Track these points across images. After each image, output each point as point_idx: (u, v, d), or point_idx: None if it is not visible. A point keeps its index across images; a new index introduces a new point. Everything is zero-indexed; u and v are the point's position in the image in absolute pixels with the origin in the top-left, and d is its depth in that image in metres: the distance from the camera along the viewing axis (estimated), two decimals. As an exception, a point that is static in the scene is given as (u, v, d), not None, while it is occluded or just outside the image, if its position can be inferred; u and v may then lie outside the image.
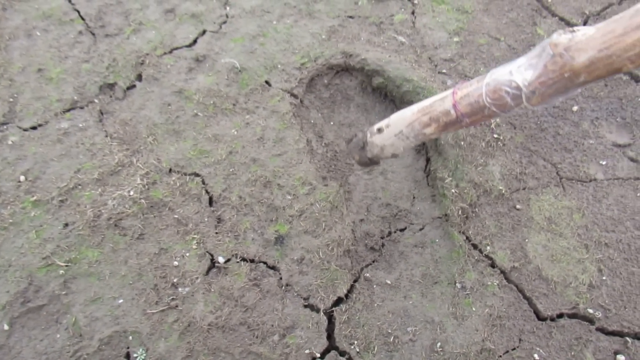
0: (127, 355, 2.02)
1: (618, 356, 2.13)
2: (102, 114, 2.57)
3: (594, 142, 2.71)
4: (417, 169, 2.64)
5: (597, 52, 1.30)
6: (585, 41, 1.32)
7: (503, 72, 1.58)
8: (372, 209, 2.49)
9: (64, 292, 2.10)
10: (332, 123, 2.81)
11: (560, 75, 1.40)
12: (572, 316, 2.23)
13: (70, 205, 2.29)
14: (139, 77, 2.70)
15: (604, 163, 2.64)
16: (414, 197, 2.54)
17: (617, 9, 3.17)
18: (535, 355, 2.12)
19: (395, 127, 2.01)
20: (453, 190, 2.45)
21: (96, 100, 2.61)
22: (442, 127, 1.85)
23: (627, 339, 2.17)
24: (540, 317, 2.22)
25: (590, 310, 2.22)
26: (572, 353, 2.13)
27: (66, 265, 2.15)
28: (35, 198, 2.29)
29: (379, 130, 2.09)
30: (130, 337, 2.04)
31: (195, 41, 2.85)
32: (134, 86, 2.67)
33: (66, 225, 2.24)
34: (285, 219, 2.34)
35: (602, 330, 2.20)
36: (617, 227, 2.45)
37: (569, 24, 3.11)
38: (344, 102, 2.87)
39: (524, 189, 2.54)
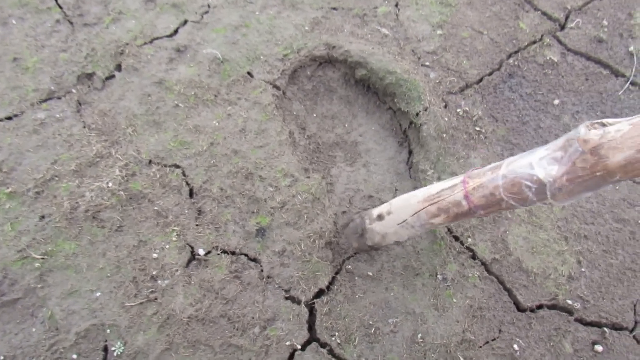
0: (105, 349, 1.99)
1: (596, 346, 2.15)
2: (80, 104, 2.52)
3: (574, 135, 2.72)
4: (399, 161, 2.64)
5: (635, 152, 1.18)
6: (621, 139, 1.20)
7: (522, 164, 1.45)
8: (354, 201, 2.48)
9: (39, 285, 2.06)
10: (314, 115, 2.79)
11: (592, 174, 1.28)
12: (552, 307, 2.25)
13: (47, 197, 2.24)
14: (119, 67, 2.65)
15: (584, 156, 2.66)
16: (396, 189, 2.54)
17: (599, 4, 3.20)
18: (515, 346, 2.13)
19: (398, 216, 1.88)
20: (435, 183, 2.45)
21: (74, 91, 2.56)
22: (452, 218, 1.73)
23: (605, 329, 2.19)
24: (520, 308, 2.24)
25: (569, 302, 2.24)
26: (551, 343, 2.15)
27: (42, 258, 2.11)
28: (10, 190, 2.24)
29: (380, 217, 1.97)
30: (108, 331, 2.01)
31: (176, 31, 2.81)
32: (113, 76, 2.62)
33: (42, 217, 2.20)
34: (267, 210, 2.32)
35: (580, 321, 2.23)
36: (596, 219, 2.47)
37: (551, 18, 3.12)
38: (326, 94, 2.85)
39: (505, 181, 2.55)
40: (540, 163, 1.39)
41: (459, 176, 1.70)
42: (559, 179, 1.35)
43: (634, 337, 2.21)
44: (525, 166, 1.43)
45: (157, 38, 2.77)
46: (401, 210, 1.87)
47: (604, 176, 1.27)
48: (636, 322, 2.25)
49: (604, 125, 1.27)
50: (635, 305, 2.28)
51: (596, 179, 1.30)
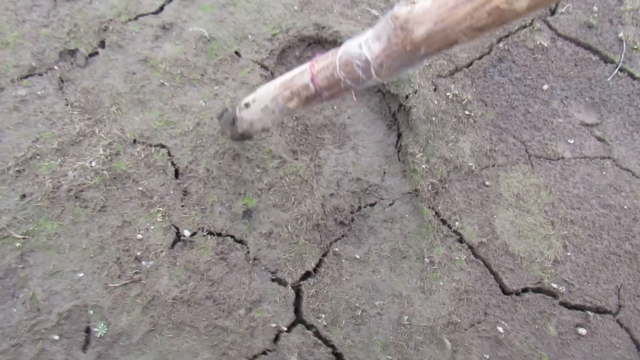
0: (88, 330, 1.96)
1: (580, 329, 2.17)
2: (62, 81, 2.46)
3: (562, 121, 2.73)
4: (388, 144, 2.62)
5: (433, 25, 1.28)
6: (423, 14, 1.31)
7: (354, 44, 1.54)
8: (342, 184, 2.46)
9: (20, 266, 2.02)
10: (303, 97, 2.75)
11: (403, 48, 1.39)
12: (537, 291, 2.26)
13: (28, 175, 2.19)
14: (102, 44, 2.58)
15: (571, 142, 2.67)
16: (384, 172, 2.52)
17: (589, -11, 3.18)
18: (500, 329, 2.15)
19: (260, 102, 1.97)
20: (423, 166, 2.44)
21: (56, 67, 2.49)
22: (303, 101, 1.83)
23: (589, 312, 2.22)
24: (505, 292, 2.25)
25: (554, 285, 2.26)
26: (536, 326, 2.17)
27: (23, 238, 2.06)
28: (-10, 168, 2.18)
29: (247, 105, 2.05)
30: (91, 312, 1.98)
31: (162, 8, 2.74)
32: (96, 53, 2.55)
33: (23, 196, 2.15)
34: (254, 192, 2.29)
35: (565, 304, 2.24)
36: (583, 204, 2.48)
37: (541, 2, 3.10)
38: (315, 76, 2.81)
39: (493, 165, 2.55)
40: (366, 43, 1.49)
41: (308, 62, 1.78)
42: (380, 55, 1.45)
43: (617, 321, 2.24)
44: (356, 46, 1.52)
45: (142, 15, 2.69)
46: (263, 97, 1.97)
47: (412, 50, 1.37)
48: (620, 306, 2.27)
49: (413, 2, 1.36)
50: (619, 290, 2.30)
51: (408, 54, 1.39)
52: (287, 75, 1.87)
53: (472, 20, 1.22)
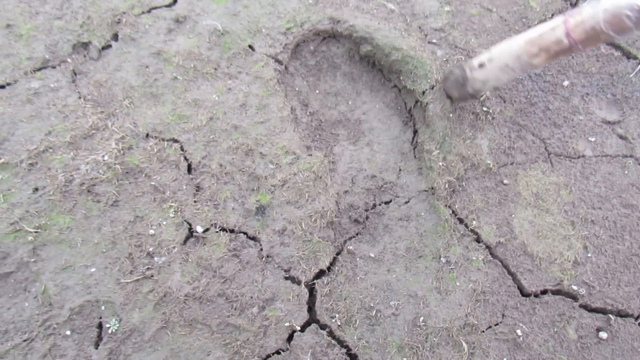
0: (100, 326, 1.94)
1: (600, 333, 2.12)
2: (75, 74, 2.43)
3: (583, 118, 2.66)
4: (404, 141, 2.57)
5: None
6: None
7: None
8: (357, 181, 2.42)
9: (32, 260, 2.00)
10: (317, 91, 2.71)
11: None
12: (556, 292, 2.21)
13: (41, 169, 2.17)
14: (115, 37, 2.56)
15: (592, 139, 2.60)
16: (400, 170, 2.48)
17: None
18: (518, 331, 2.09)
19: (499, 61, 2.03)
20: (440, 163, 2.39)
21: (69, 60, 2.46)
22: (552, 56, 1.88)
23: (610, 316, 2.16)
24: (524, 293, 2.20)
25: (574, 287, 2.20)
26: (555, 329, 2.11)
27: (35, 232, 2.04)
28: (3, 161, 2.16)
29: (481, 66, 2.11)
30: (103, 307, 1.96)
31: (175, 1, 2.70)
32: (109, 46, 2.53)
33: (36, 189, 2.13)
34: (267, 188, 2.26)
35: (585, 307, 2.19)
36: (604, 204, 2.42)
37: (562, -4, 3.03)
38: (330, 70, 2.77)
39: (511, 163, 2.49)
40: None
41: (557, 18, 1.83)
42: None
43: (639, 324, 2.17)
44: None
45: (155, 7, 2.66)
46: (502, 56, 2.02)
47: None
48: (641, 309, 2.21)
49: None
50: (640, 292, 2.24)
51: None
52: (533, 33, 1.89)
53: None
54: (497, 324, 2.11)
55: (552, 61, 1.99)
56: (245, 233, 2.18)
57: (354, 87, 2.75)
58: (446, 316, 2.09)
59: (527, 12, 2.96)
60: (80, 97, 2.36)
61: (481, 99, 2.61)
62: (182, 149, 2.31)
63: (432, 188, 2.36)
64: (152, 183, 2.20)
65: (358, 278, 2.15)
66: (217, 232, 2.15)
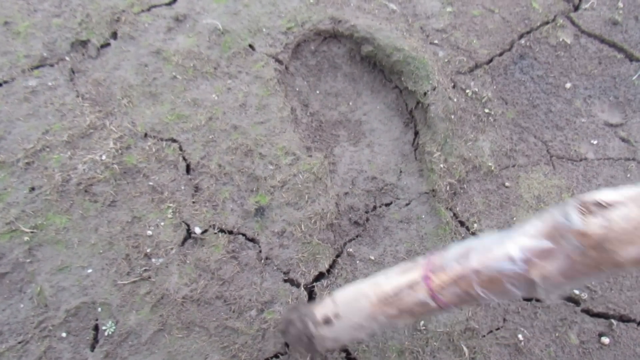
0: (96, 328, 1.91)
1: (602, 338, 2.09)
2: (73, 72, 2.41)
3: (585, 120, 2.64)
4: (404, 142, 2.55)
5: None
6: (633, 230, 0.98)
7: (499, 256, 1.18)
8: (357, 182, 2.40)
9: (28, 260, 1.97)
10: (318, 92, 2.69)
11: (596, 269, 1.07)
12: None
13: (37, 168, 2.15)
14: (114, 35, 2.53)
15: (595, 142, 2.58)
16: (400, 171, 2.45)
17: (615, -15, 3.08)
18: (519, 336, 2.07)
19: (349, 319, 1.52)
20: (441, 165, 2.37)
21: (67, 58, 2.44)
22: (418, 317, 1.53)
23: (612, 321, 2.13)
24: (525, 297, 2.17)
25: (576, 292, 2.18)
26: (557, 334, 2.09)
27: (31, 232, 2.02)
28: (-1, 160, 2.14)
29: (327, 322, 1.56)
30: (99, 309, 1.93)
31: (175, -1, 2.69)
32: (108, 44, 2.50)
33: (32, 189, 2.10)
34: (267, 189, 2.23)
35: (587, 311, 2.16)
36: (606, 207, 2.39)
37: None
38: (331, 71, 2.74)
39: (513, 166, 2.47)
40: (524, 258, 1.14)
41: (415, 266, 1.40)
42: (555, 276, 1.11)
43: (641, 329, 2.16)
44: (505, 261, 1.17)
45: (155, 6, 2.64)
46: (351, 314, 1.51)
47: (610, 268, 1.06)
48: (643, 314, 2.19)
49: (599, 205, 1.03)
50: (643, 297, 2.22)
51: (600, 272, 1.08)
52: (387, 288, 1.44)
53: None
54: (498, 329, 2.09)
55: (424, 318, 1.57)
56: (244, 234, 2.15)
57: (355, 88, 2.72)
58: (447, 320, 2.07)
59: (529, 13, 2.94)
60: (78, 96, 2.33)
61: (482, 100, 2.59)
62: (180, 149, 2.28)
63: (433, 190, 2.34)
64: (150, 183, 2.18)
65: (358, 281, 2.12)
66: (215, 233, 2.12)
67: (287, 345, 1.95)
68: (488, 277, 1.20)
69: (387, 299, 1.41)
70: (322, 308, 1.60)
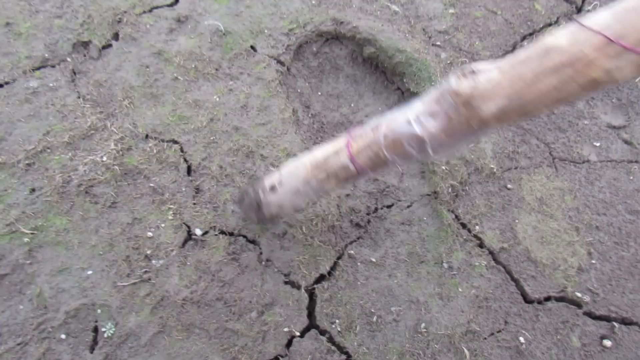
0: (95, 329, 1.91)
1: (604, 341, 2.08)
2: (74, 73, 2.41)
3: (588, 122, 2.63)
4: (406, 144, 2.53)
5: (507, 101, 1.16)
6: (492, 89, 1.17)
7: (400, 121, 1.39)
8: (358, 184, 2.39)
9: (28, 262, 1.97)
10: (319, 93, 2.68)
11: (467, 126, 1.27)
12: (560, 299, 2.17)
13: (38, 169, 2.14)
14: (116, 36, 2.53)
15: (597, 144, 2.57)
16: (402, 173, 2.44)
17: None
18: (521, 338, 2.06)
19: (289, 185, 1.78)
20: (443, 167, 2.36)
21: (69, 59, 2.44)
22: (343, 181, 1.67)
23: (614, 324, 2.12)
24: (527, 300, 2.16)
25: (578, 294, 2.17)
26: (558, 337, 2.08)
27: (32, 233, 2.01)
28: None
29: (273, 189, 1.84)
30: (99, 311, 1.92)
31: (177, 0, 2.68)
32: (110, 45, 2.50)
33: (33, 190, 2.10)
34: (268, 191, 2.22)
35: (589, 314, 2.15)
36: (609, 210, 2.38)
37: (567, 0, 3.00)
38: (332, 72, 2.74)
39: (515, 168, 2.46)
40: (417, 120, 1.35)
41: (341, 138, 1.62)
42: (439, 134, 1.32)
43: (644, 333, 2.14)
44: (404, 124, 1.38)
45: (156, 7, 2.64)
46: (291, 179, 1.77)
47: (479, 126, 1.26)
48: (646, 318, 2.18)
49: (472, 71, 1.22)
50: (646, 300, 2.21)
51: (472, 130, 1.28)
52: (318, 154, 1.68)
53: (558, 93, 1.09)
54: (499, 331, 2.08)
55: (347, 186, 1.70)
56: (244, 236, 2.14)
57: (357, 89, 2.72)
58: (448, 322, 2.06)
59: (532, 15, 2.93)
60: (79, 97, 2.33)
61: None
62: (182, 150, 2.28)
63: (435, 192, 2.33)
64: (151, 185, 2.17)
65: (359, 283, 2.11)
66: (216, 235, 2.12)
67: (244, 218, 2.14)
68: (392, 140, 1.41)
69: (317, 164, 1.66)
70: (270, 178, 1.88)
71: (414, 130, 1.35)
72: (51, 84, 2.35)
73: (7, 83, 2.34)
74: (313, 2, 2.77)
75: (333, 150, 1.62)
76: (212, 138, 2.31)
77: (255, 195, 1.93)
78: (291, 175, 1.78)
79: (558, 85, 1.07)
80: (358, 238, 2.24)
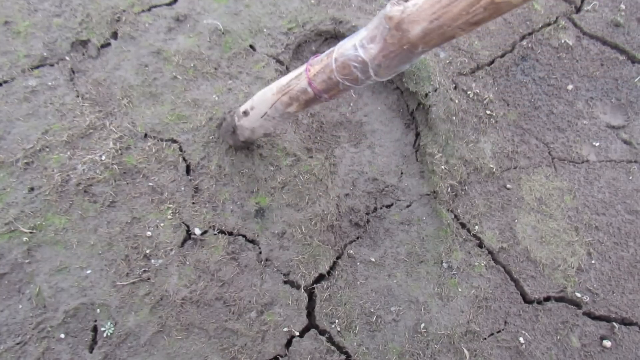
0: (95, 329, 1.90)
1: (604, 341, 2.08)
2: (73, 72, 2.40)
3: (587, 122, 2.63)
4: (406, 144, 2.53)
5: (428, 24, 1.28)
6: (417, 13, 1.30)
7: (348, 46, 1.54)
8: (358, 184, 2.38)
9: (27, 261, 1.96)
10: (319, 93, 2.67)
11: (400, 48, 1.39)
12: (559, 300, 2.17)
13: (37, 168, 2.14)
14: (115, 35, 2.52)
15: (597, 144, 2.57)
16: (401, 173, 2.44)
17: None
18: (521, 339, 2.06)
19: (259, 109, 1.96)
20: (442, 167, 2.36)
21: (67, 58, 2.43)
22: (303, 105, 1.83)
23: (614, 324, 2.12)
24: (526, 300, 2.16)
25: (578, 294, 2.17)
26: (558, 337, 2.08)
27: (30, 232, 2.01)
28: (-2, 160, 2.13)
29: (245, 114, 2.03)
30: (98, 310, 1.92)
31: (176, -1, 2.68)
32: (108, 44, 2.49)
33: (31, 189, 2.09)
34: (267, 190, 2.22)
35: (589, 314, 2.15)
36: (608, 210, 2.39)
37: (566, 0, 3.00)
38: (332, 71, 2.73)
39: (515, 168, 2.46)
40: (361, 44, 1.49)
41: (303, 65, 1.78)
42: (377, 56, 1.46)
43: (643, 332, 2.14)
44: (350, 48, 1.51)
45: (155, 6, 2.63)
46: (261, 104, 1.95)
47: (410, 49, 1.38)
48: (645, 318, 2.18)
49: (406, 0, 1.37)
50: (645, 300, 2.21)
51: (405, 52, 1.40)
52: (283, 80, 1.86)
53: (468, 15, 1.22)
54: (499, 331, 2.08)
55: (307, 109, 1.91)
56: (244, 236, 2.14)
57: (355, 89, 2.71)
58: (447, 323, 2.06)
59: (531, 14, 2.93)
60: (78, 96, 2.32)
61: (484, 102, 2.58)
62: (180, 150, 2.27)
63: (434, 192, 2.33)
64: (150, 184, 2.17)
65: (358, 283, 2.11)
66: (215, 234, 2.11)
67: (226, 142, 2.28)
68: (341, 63, 1.54)
69: (282, 88, 1.83)
70: (245, 105, 2.06)
71: (358, 53, 1.49)
72: (50, 83, 2.34)
73: (5, 82, 2.33)
74: (312, 1, 2.77)
75: (295, 75, 1.80)
76: (211, 137, 2.31)
77: (232, 120, 2.13)
78: (261, 100, 1.96)
79: (467, 8, 1.20)
80: (357, 238, 2.24)
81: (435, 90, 2.50)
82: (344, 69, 1.55)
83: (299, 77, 1.76)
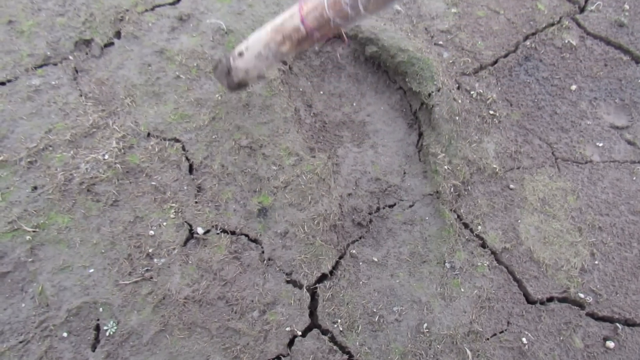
0: (97, 328, 1.90)
1: (607, 342, 2.07)
2: (76, 71, 2.40)
3: (591, 122, 2.62)
4: (408, 144, 2.53)
5: None
6: None
7: None
8: (360, 183, 2.38)
9: (30, 259, 1.97)
10: (321, 92, 2.68)
11: None
12: (563, 300, 2.16)
13: (40, 167, 2.14)
14: (118, 35, 2.52)
15: (600, 145, 2.56)
16: (404, 173, 2.44)
17: (621, -14, 3.06)
18: (524, 339, 2.05)
19: (254, 49, 2.03)
20: (445, 167, 2.35)
21: (71, 57, 2.43)
22: (295, 44, 1.91)
23: (618, 325, 2.11)
24: (529, 300, 2.15)
25: (581, 295, 2.16)
26: (561, 338, 2.07)
27: (33, 231, 2.01)
28: (2, 158, 2.13)
29: (240, 54, 2.09)
30: (101, 309, 1.92)
31: (179, -1, 2.68)
32: (112, 44, 2.50)
33: (35, 188, 2.09)
34: (270, 190, 2.22)
35: (592, 315, 2.14)
36: (612, 210, 2.38)
37: (570, 0, 2.99)
38: (334, 71, 2.73)
39: (518, 168, 2.45)
40: None
41: (296, 4, 1.85)
42: None
43: (646, 333, 2.14)
44: None
45: (159, 5, 2.63)
46: (255, 44, 2.01)
47: None
48: (649, 319, 2.17)
49: None
50: (648, 301, 2.20)
51: None
52: (277, 20, 1.93)
53: None
54: (502, 332, 2.07)
55: (299, 49, 1.96)
56: (246, 235, 2.14)
57: (359, 89, 2.71)
58: (450, 323, 2.05)
59: (534, 14, 2.92)
60: (81, 95, 2.33)
61: (487, 102, 2.57)
62: (183, 149, 2.27)
63: (437, 192, 2.32)
64: (153, 183, 2.17)
65: (361, 282, 2.11)
66: (218, 233, 2.11)
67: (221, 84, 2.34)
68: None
69: (276, 27, 1.90)
70: (240, 46, 2.11)
71: None
72: (53, 82, 2.35)
73: (9, 81, 2.33)
74: (316, 1, 2.76)
75: (289, 15, 1.86)
76: (213, 137, 2.31)
77: (227, 61, 2.17)
78: (255, 41, 2.02)
79: None
80: (360, 237, 2.24)
81: (439, 90, 2.49)
82: (336, 5, 1.64)
83: (292, 16, 1.84)
